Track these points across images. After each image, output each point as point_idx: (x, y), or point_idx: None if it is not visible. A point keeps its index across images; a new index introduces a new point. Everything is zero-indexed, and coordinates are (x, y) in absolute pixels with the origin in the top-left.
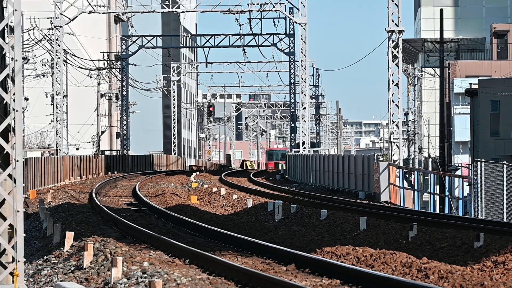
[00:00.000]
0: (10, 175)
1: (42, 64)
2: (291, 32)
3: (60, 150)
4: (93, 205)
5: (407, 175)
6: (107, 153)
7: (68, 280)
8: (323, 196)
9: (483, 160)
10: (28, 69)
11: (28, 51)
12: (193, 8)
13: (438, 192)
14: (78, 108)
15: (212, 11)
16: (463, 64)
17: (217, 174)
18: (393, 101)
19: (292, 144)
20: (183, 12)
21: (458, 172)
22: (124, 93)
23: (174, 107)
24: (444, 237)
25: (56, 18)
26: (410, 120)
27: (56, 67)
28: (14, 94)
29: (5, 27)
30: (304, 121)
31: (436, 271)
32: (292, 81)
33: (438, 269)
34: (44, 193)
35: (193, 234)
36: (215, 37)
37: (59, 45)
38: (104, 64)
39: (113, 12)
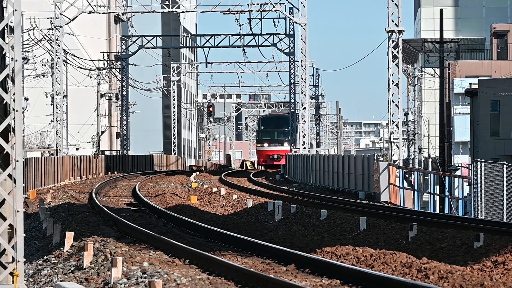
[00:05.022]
0: (10, 175)
1: (42, 64)
2: (291, 32)
3: (60, 150)
4: (93, 205)
5: (407, 175)
6: (107, 153)
7: (68, 280)
8: (323, 196)
9: (483, 160)
10: (28, 69)
11: (28, 51)
12: (193, 8)
13: (438, 192)
14: (78, 108)
15: (212, 11)
16: (463, 64)
17: (217, 174)
18: (393, 101)
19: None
20: (183, 12)
21: (458, 172)
22: (124, 93)
23: (174, 107)
24: (444, 237)
25: (56, 18)
26: (410, 120)
27: (56, 67)
28: (14, 94)
29: (5, 27)
30: (304, 121)
31: (436, 271)
32: (292, 81)
33: (438, 269)
34: (44, 193)
35: (193, 234)
36: (215, 37)
37: (59, 45)
38: (104, 64)
39: (113, 12)
